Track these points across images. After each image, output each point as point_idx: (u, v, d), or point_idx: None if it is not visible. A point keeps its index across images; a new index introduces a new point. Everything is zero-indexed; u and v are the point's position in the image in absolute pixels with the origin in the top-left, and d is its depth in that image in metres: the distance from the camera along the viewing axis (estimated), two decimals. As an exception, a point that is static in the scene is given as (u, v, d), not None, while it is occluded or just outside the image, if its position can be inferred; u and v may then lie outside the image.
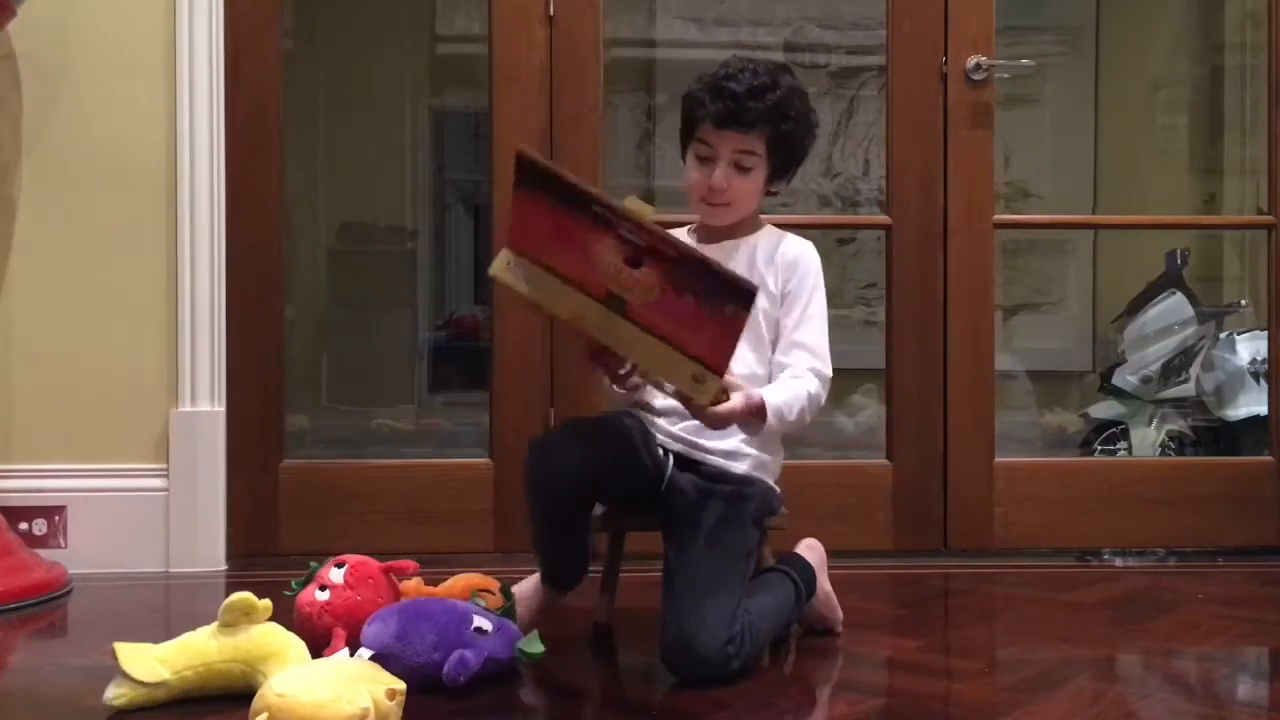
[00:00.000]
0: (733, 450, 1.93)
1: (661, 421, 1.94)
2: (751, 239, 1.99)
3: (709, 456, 1.92)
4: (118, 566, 2.55)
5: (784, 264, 1.97)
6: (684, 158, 1.98)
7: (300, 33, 4.39)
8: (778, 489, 1.99)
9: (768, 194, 2.00)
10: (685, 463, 1.92)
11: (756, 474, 1.94)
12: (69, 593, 2.39)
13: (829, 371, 1.93)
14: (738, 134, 1.88)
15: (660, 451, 1.92)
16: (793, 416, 1.84)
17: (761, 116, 1.87)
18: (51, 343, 2.62)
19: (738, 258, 1.95)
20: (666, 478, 1.90)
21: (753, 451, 1.94)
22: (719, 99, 1.88)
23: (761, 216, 2.05)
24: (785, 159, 1.95)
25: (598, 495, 1.91)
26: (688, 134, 1.96)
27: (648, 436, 1.91)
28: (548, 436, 1.95)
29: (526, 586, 2.00)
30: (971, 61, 2.73)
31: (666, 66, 4.66)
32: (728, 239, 1.98)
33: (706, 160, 1.91)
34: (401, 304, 5.36)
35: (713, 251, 1.75)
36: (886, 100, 2.81)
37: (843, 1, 4.69)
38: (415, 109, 5.42)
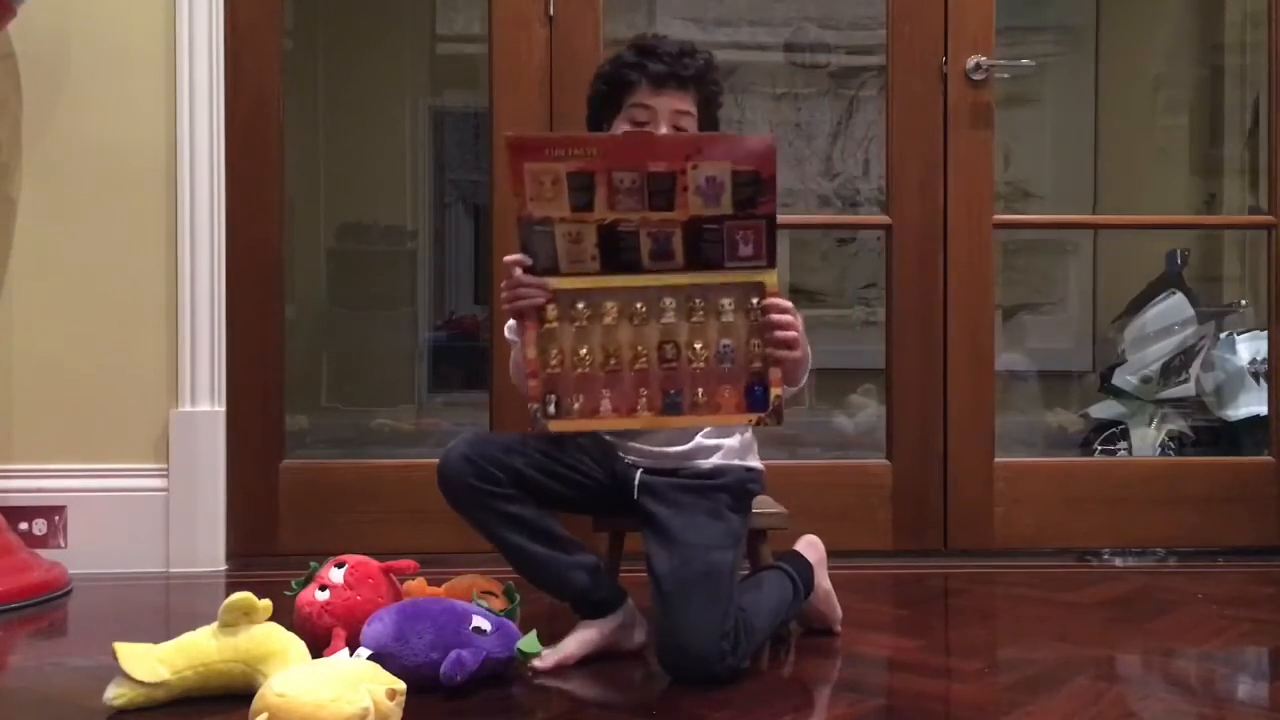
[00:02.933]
0: (696, 448, 1.92)
1: (619, 441, 1.93)
2: None
3: (679, 463, 1.91)
4: (118, 566, 2.55)
5: None
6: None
7: (300, 33, 4.40)
8: (757, 465, 1.98)
9: None
10: (655, 473, 1.91)
11: (726, 462, 1.93)
12: (69, 593, 2.39)
13: None
14: (676, 93, 1.89)
15: (625, 461, 1.92)
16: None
17: (695, 75, 1.89)
18: (51, 343, 2.62)
19: None
20: (636, 483, 1.89)
21: (719, 443, 1.93)
22: (656, 60, 1.88)
23: None
24: (709, 127, 1.95)
25: (520, 486, 1.82)
26: (613, 106, 1.93)
27: (601, 443, 1.92)
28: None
29: (572, 643, 1.85)
30: (971, 61, 2.73)
31: (666, 67, 4.65)
32: None
33: (644, 125, 1.89)
34: (401, 304, 5.37)
35: None
36: (886, 100, 2.80)
37: (843, 1, 4.69)
38: (415, 109, 5.43)
